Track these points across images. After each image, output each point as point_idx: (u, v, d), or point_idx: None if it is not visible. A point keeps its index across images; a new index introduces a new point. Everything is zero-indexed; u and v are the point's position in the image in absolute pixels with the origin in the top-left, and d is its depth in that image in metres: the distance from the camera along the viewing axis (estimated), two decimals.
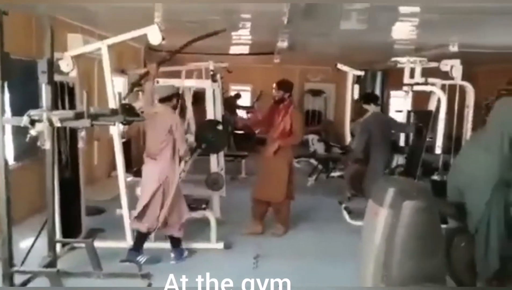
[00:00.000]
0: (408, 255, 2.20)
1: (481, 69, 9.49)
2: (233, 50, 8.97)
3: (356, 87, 7.39)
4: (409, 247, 2.20)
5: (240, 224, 4.67)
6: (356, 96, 7.37)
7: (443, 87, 5.12)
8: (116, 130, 3.89)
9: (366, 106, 5.18)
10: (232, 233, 4.43)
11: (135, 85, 4.69)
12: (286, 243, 4.34)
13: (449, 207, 3.11)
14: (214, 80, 5.25)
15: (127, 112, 3.55)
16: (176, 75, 6.80)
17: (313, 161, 7.64)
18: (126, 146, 6.45)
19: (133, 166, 6.00)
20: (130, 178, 4.79)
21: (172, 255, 3.80)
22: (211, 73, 6.07)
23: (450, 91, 5.14)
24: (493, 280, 2.99)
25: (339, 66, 6.91)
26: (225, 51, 8.89)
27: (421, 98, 7.62)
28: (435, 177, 5.43)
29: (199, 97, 6.36)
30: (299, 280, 3.38)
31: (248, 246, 4.14)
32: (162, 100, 3.71)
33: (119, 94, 3.70)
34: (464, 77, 5.16)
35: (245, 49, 8.91)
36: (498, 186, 3.00)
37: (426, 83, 5.00)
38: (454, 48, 6.06)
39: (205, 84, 5.18)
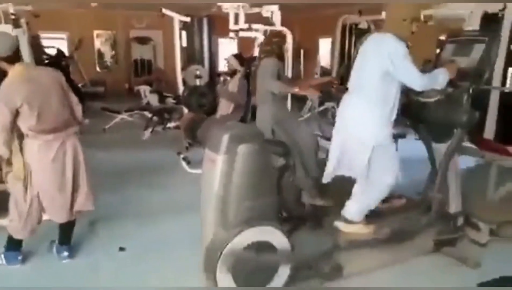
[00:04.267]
0: (244, 198, 2.29)
1: (298, 16, 10.34)
2: None
3: (184, 34, 7.20)
4: (245, 190, 2.30)
5: None
6: (184, 43, 7.20)
7: (265, 33, 5.37)
8: None
9: None
10: None
11: None
12: (125, 203, 4.10)
13: (276, 146, 3.37)
14: (16, 26, 4.41)
15: None
16: None
17: (146, 113, 7.34)
18: None
19: None
20: None
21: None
22: (13, 17, 5.10)
23: None
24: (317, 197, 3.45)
25: (164, 10, 6.57)
26: None
27: (247, 44, 7.94)
28: None
29: None
30: (143, 242, 3.28)
31: None
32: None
33: None
34: (283, 24, 5.47)
35: None
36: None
37: (250, 29, 5.15)
38: None
39: (5, 29, 4.31)
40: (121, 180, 4.70)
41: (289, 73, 5.53)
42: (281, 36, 4.74)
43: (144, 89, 8.72)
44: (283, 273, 2.44)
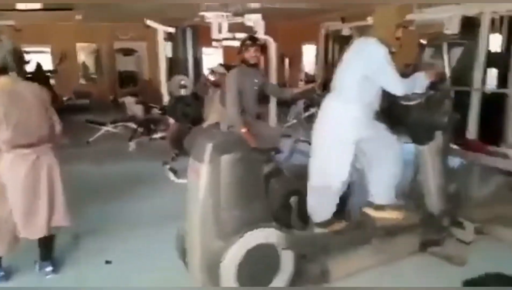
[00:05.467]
0: (234, 205, 2.31)
1: (281, 24, 10.40)
2: (20, 5, 7.61)
3: (169, 44, 7.21)
4: (234, 198, 2.31)
5: None
6: (169, 53, 7.21)
7: None
8: None
9: None
10: None
11: None
12: (112, 215, 4.05)
13: (260, 153, 3.38)
14: None
15: None
16: None
17: (131, 124, 7.29)
18: None
19: None
20: None
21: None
22: None
23: None
24: None
25: (149, 22, 6.57)
26: (10, 6, 7.48)
27: (232, 53, 7.96)
28: None
29: None
30: (129, 253, 3.24)
31: None
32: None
33: None
34: (267, 32, 5.50)
35: (37, 4, 7.67)
36: None
37: (234, 38, 5.18)
38: (255, 4, 6.41)
39: None
40: (107, 192, 4.64)
41: (273, 80, 5.55)
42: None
43: (129, 100, 8.67)
44: (286, 273, 2.49)
